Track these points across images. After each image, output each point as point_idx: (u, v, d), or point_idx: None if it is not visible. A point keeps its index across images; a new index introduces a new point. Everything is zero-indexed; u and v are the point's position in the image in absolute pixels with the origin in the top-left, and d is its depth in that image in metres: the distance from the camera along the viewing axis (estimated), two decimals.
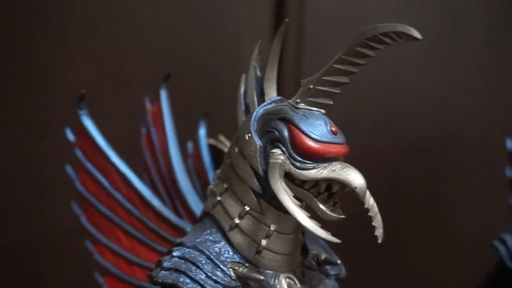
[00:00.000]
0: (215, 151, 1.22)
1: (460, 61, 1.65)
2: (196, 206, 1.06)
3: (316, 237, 0.96)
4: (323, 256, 0.92)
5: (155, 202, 1.05)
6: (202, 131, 1.24)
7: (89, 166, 1.10)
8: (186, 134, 1.24)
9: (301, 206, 0.81)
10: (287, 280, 0.86)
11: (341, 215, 0.83)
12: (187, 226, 1.02)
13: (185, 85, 1.54)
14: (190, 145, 1.27)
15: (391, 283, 1.63)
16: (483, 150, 1.63)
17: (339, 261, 0.92)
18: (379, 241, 0.82)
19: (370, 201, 0.83)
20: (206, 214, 0.90)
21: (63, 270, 1.58)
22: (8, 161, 1.57)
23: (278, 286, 0.85)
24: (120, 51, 1.58)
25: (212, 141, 1.23)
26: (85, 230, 1.12)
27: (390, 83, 1.64)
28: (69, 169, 1.13)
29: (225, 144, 1.20)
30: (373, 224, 0.83)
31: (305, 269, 0.90)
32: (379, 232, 0.82)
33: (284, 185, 0.81)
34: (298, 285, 0.87)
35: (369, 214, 0.83)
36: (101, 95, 1.51)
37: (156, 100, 1.18)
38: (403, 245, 1.62)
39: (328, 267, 0.93)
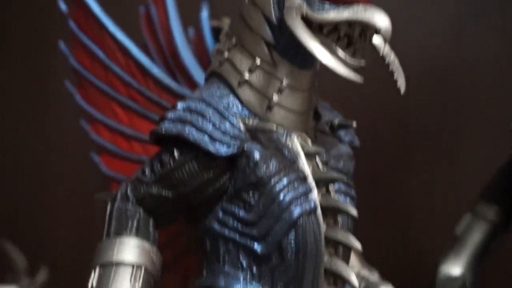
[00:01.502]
0: (218, 36, 1.14)
1: None
2: (201, 78, 0.99)
3: (330, 107, 0.90)
4: (336, 121, 0.86)
5: (155, 69, 0.98)
6: (204, 14, 1.16)
7: (83, 38, 1.02)
8: (186, 20, 1.17)
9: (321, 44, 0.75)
10: (299, 139, 0.80)
11: (362, 61, 0.77)
12: (190, 94, 0.95)
13: None
14: (191, 31, 1.20)
15: (402, 211, 1.55)
16: (496, 81, 1.56)
17: (354, 124, 0.86)
18: (402, 93, 0.77)
19: (391, 56, 0.78)
20: (212, 73, 0.84)
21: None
22: None
23: (289, 144, 0.79)
24: None
25: (215, 23, 1.16)
26: (82, 111, 1.05)
27: (403, 8, 1.55)
28: (62, 45, 1.06)
29: None
30: (395, 78, 0.78)
31: (318, 133, 0.85)
32: (401, 83, 0.77)
33: (302, 24, 0.75)
34: (311, 145, 0.81)
35: (390, 69, 0.78)
36: None
37: None
38: (411, 172, 1.55)
39: (342, 133, 0.87)
